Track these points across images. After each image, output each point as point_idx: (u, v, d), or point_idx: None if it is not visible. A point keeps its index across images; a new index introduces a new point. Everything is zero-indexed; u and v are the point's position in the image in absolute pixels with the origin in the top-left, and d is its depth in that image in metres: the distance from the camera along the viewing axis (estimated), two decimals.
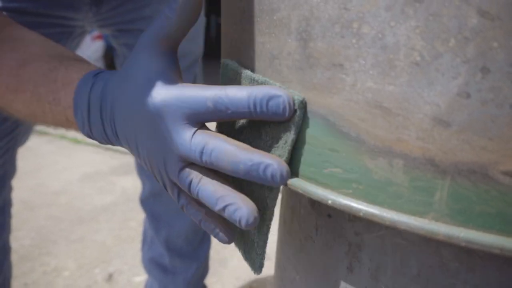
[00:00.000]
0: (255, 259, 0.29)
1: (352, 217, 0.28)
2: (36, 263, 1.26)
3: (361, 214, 0.22)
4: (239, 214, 0.26)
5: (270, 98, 0.24)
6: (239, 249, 0.32)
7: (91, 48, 3.95)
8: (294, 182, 0.25)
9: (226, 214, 0.27)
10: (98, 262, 1.28)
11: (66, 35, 0.69)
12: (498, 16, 0.17)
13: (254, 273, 0.30)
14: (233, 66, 0.30)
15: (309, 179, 0.25)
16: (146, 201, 0.90)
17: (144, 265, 0.96)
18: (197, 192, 0.28)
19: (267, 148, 0.27)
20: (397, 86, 0.20)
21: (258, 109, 0.25)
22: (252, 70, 0.29)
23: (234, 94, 0.26)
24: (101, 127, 0.32)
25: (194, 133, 0.27)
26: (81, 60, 0.37)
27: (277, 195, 0.27)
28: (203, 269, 0.94)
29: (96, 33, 3.66)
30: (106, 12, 0.72)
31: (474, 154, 0.18)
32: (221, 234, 0.30)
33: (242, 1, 0.30)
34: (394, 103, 0.20)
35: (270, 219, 0.28)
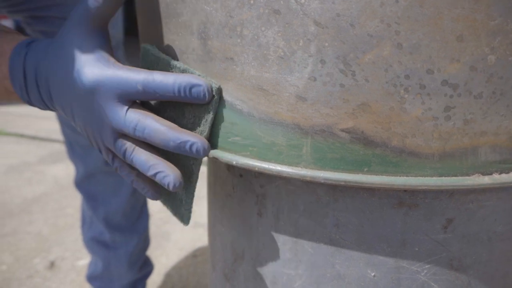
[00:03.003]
0: (183, 214, 0.36)
1: (257, 174, 0.36)
2: None
3: (256, 169, 0.30)
4: (167, 180, 0.31)
5: (192, 86, 0.29)
6: (168, 206, 0.38)
7: None
8: (211, 152, 0.32)
9: (156, 179, 0.32)
10: (37, 252, 1.27)
11: None
12: (326, 25, 0.24)
13: (184, 224, 0.37)
14: (154, 51, 0.34)
15: (220, 147, 0.32)
16: (81, 183, 0.91)
17: (86, 245, 0.99)
18: (131, 160, 0.32)
19: (190, 125, 0.32)
20: (271, 73, 0.27)
21: (182, 94, 0.30)
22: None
23: (161, 80, 0.30)
24: (39, 96, 0.35)
25: (127, 110, 0.31)
26: (10, 32, 0.38)
27: (201, 162, 0.34)
28: (144, 242, 0.99)
29: None
30: None
31: (322, 119, 0.27)
32: (150, 192, 0.35)
33: (152, 3, 0.35)
34: (270, 86, 0.28)
35: (195, 181, 0.34)
